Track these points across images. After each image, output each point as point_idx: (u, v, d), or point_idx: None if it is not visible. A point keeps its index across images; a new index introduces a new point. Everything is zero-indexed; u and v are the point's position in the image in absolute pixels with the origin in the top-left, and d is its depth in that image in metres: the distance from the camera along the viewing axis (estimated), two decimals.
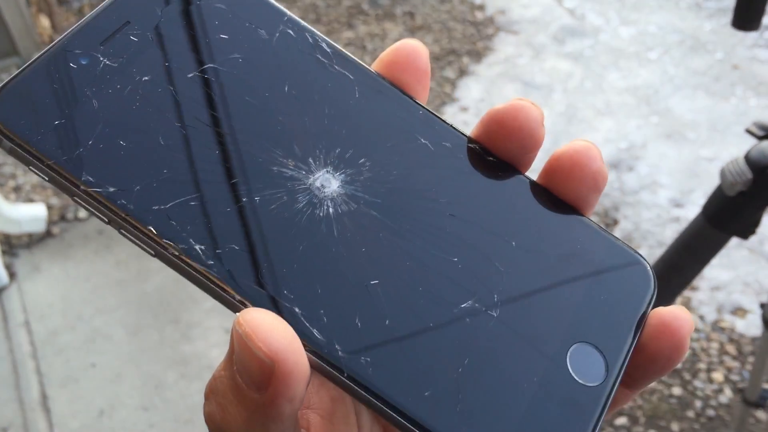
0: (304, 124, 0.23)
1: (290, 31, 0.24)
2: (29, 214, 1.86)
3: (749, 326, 1.60)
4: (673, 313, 0.22)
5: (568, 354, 0.22)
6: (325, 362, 0.20)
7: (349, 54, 0.25)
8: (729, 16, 0.74)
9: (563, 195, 0.24)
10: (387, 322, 0.21)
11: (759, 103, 2.22)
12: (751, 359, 1.51)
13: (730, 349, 1.55)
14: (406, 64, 0.24)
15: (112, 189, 0.21)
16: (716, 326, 1.60)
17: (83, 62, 0.22)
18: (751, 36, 2.48)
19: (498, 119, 0.24)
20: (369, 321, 0.21)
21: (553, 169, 0.24)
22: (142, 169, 0.21)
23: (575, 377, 0.21)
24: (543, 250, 0.23)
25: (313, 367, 0.20)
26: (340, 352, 0.20)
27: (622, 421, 1.42)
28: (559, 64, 2.49)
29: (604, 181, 0.24)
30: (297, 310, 0.21)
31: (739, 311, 1.63)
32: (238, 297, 0.21)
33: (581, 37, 2.62)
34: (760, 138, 0.71)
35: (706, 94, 2.28)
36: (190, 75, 0.23)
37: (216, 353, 1.60)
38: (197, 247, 0.21)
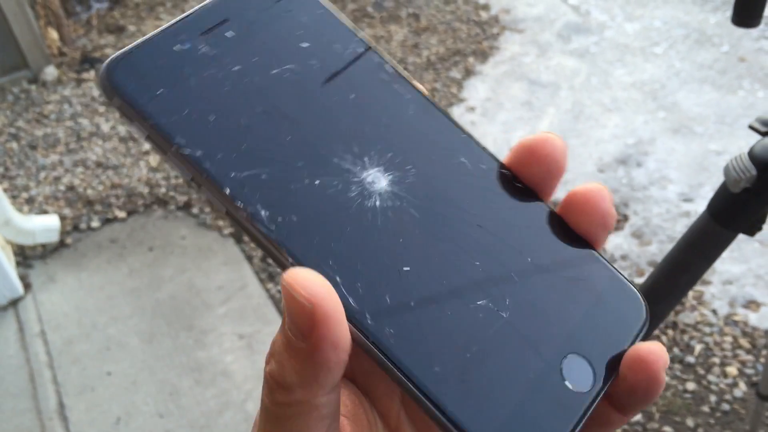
0: (364, 128, 0.27)
1: (359, 49, 0.28)
2: (43, 225, 1.88)
3: (762, 319, 1.59)
4: (649, 348, 0.24)
5: (563, 360, 0.25)
6: (355, 327, 0.24)
7: (408, 76, 0.29)
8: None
9: (576, 228, 0.27)
10: (412, 303, 0.24)
11: (766, 95, 2.21)
12: (765, 352, 1.51)
13: (744, 342, 1.55)
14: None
15: (199, 153, 0.24)
16: (729, 320, 1.60)
17: (185, 47, 0.26)
18: (757, 28, 2.46)
19: (527, 147, 0.27)
20: (397, 299, 0.24)
21: (568, 204, 0.27)
22: (224, 141, 0.25)
23: (566, 381, 0.24)
24: (553, 270, 0.26)
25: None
26: (369, 320, 0.24)
27: (636, 417, 1.42)
28: (564, 62, 2.49)
29: (612, 220, 0.27)
30: (338, 278, 0.24)
31: (752, 304, 1.62)
32: (290, 260, 0.24)
33: (586, 33, 2.62)
34: (764, 134, 0.71)
35: (712, 87, 2.27)
36: (273, 71, 0.27)
37: (230, 359, 1.61)
38: (262, 212, 0.24)
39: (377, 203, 0.26)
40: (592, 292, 0.26)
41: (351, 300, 0.24)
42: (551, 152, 0.27)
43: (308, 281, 0.22)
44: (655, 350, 0.24)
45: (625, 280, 0.27)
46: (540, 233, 0.27)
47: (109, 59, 0.25)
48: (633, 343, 0.26)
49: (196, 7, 0.27)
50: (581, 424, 0.24)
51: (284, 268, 0.24)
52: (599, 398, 0.24)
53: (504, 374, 0.24)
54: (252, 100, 0.26)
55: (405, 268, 0.25)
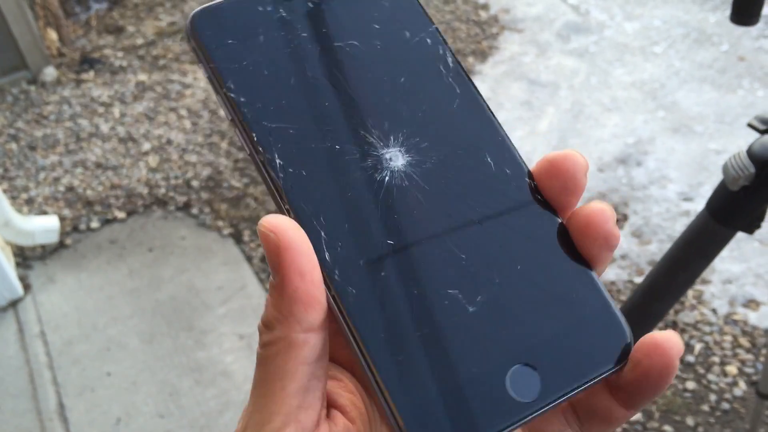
0: (402, 111, 0.28)
1: (428, 39, 0.30)
2: (42, 226, 1.88)
3: (762, 318, 1.59)
4: (666, 335, 0.25)
5: (514, 367, 0.25)
6: (324, 280, 0.25)
7: (466, 73, 0.30)
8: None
9: (579, 248, 0.27)
10: (382, 273, 0.26)
11: (766, 94, 2.21)
12: (765, 351, 1.51)
13: (744, 341, 1.55)
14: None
15: (242, 98, 0.27)
16: (729, 319, 1.60)
17: (266, 9, 0.29)
18: (756, 27, 2.46)
19: (549, 160, 0.28)
20: (370, 267, 0.25)
21: (571, 223, 0.27)
22: (267, 94, 0.27)
23: (508, 386, 0.25)
24: (540, 283, 0.27)
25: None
26: (336, 276, 0.25)
27: (636, 416, 1.42)
28: (564, 61, 2.49)
29: (616, 241, 0.27)
30: (322, 233, 0.26)
31: (751, 303, 1.62)
32: (287, 206, 0.26)
33: (586, 33, 2.62)
34: (762, 132, 0.71)
35: (712, 86, 2.27)
36: (336, 44, 0.29)
37: (230, 359, 1.61)
38: (278, 161, 0.27)
39: (386, 178, 0.27)
40: (573, 313, 0.26)
41: (327, 255, 0.25)
42: (571, 168, 0.27)
43: (275, 219, 0.25)
44: (671, 337, 0.25)
45: (616, 311, 0.27)
46: (540, 245, 0.27)
47: (198, 8, 0.29)
48: (602, 375, 0.25)
49: None
50: (507, 430, 0.24)
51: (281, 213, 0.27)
52: (536, 414, 0.25)
53: (449, 361, 0.25)
54: (306, 65, 0.28)
55: (389, 241, 0.26)
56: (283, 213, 0.27)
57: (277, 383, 0.25)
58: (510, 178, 0.28)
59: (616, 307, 0.27)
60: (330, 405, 0.27)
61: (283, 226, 0.24)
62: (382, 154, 0.27)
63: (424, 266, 0.26)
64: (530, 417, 0.25)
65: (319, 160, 0.27)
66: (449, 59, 0.30)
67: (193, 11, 0.29)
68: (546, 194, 0.28)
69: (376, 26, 0.30)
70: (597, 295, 0.27)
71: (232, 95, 0.27)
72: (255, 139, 0.27)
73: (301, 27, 0.29)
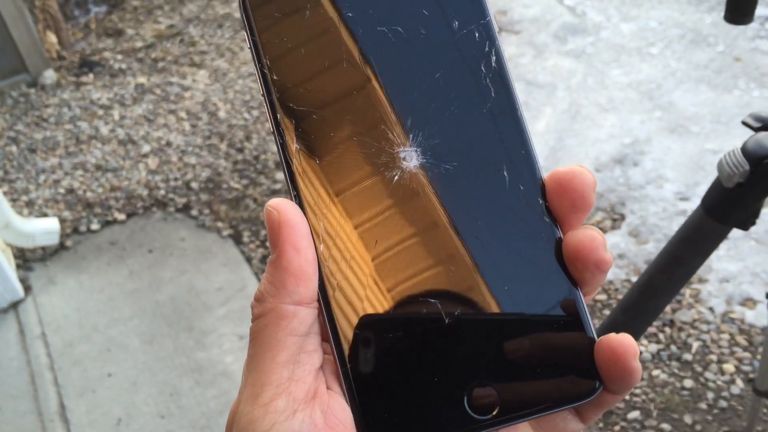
0: (428, 108, 0.27)
1: (477, 33, 0.28)
2: (42, 228, 1.89)
3: (759, 317, 1.60)
4: (619, 340, 0.25)
5: (477, 385, 0.25)
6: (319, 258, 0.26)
7: (509, 74, 0.28)
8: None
9: (571, 273, 0.27)
10: (367, 272, 0.26)
11: (762, 95, 2.22)
12: (761, 349, 1.52)
13: (741, 340, 1.56)
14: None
15: (275, 77, 0.28)
16: (726, 317, 1.61)
17: None
18: (752, 28, 2.48)
19: (558, 178, 0.27)
20: (356, 263, 0.26)
21: (565, 247, 0.27)
22: (300, 75, 0.28)
23: (465, 400, 0.25)
24: (524, 307, 0.26)
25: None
26: (326, 268, 0.26)
27: (635, 414, 1.43)
28: (561, 62, 2.50)
29: (607, 266, 0.27)
30: (322, 225, 0.27)
31: (748, 302, 1.63)
32: (294, 192, 0.27)
33: (582, 34, 2.63)
34: (757, 129, 0.72)
35: (708, 87, 2.28)
36: (379, 28, 0.28)
37: (230, 359, 1.62)
38: (294, 145, 0.27)
39: (396, 177, 0.27)
40: (549, 341, 0.26)
41: (320, 247, 0.26)
42: (579, 187, 0.27)
43: (280, 200, 0.26)
44: (624, 341, 0.25)
45: (590, 351, 0.26)
46: (533, 266, 0.27)
47: None
48: (561, 408, 0.26)
49: None
50: None
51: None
52: (486, 429, 0.25)
53: (414, 365, 0.25)
54: (344, 49, 0.28)
55: (382, 242, 0.27)
56: (290, 196, 0.28)
57: (267, 354, 0.26)
58: (521, 191, 0.27)
59: (592, 344, 0.26)
60: (330, 387, 0.27)
61: (285, 206, 0.26)
62: (397, 152, 0.27)
63: (411, 270, 0.26)
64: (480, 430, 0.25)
65: (334, 150, 0.27)
66: (493, 58, 0.28)
67: None
68: (555, 211, 0.27)
69: (425, 12, 0.28)
70: (578, 327, 0.26)
71: (266, 72, 0.28)
72: (279, 119, 0.27)
73: (349, 7, 0.28)
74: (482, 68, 0.28)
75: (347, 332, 0.26)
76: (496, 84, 0.28)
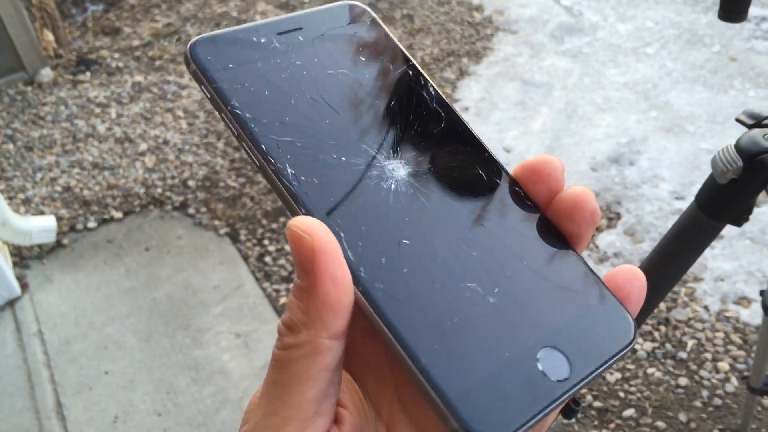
0: (397, 128, 0.31)
1: (410, 71, 0.34)
2: (39, 225, 1.89)
3: (753, 315, 1.61)
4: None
5: (541, 350, 0.27)
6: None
7: (446, 99, 0.34)
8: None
9: (563, 229, 0.30)
10: (405, 270, 0.27)
11: (757, 94, 2.23)
12: (756, 347, 1.52)
13: (735, 338, 1.56)
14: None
15: (248, 115, 0.29)
16: (721, 316, 1.61)
17: (261, 40, 0.32)
18: (747, 28, 2.49)
19: (531, 167, 0.30)
20: (391, 264, 0.27)
21: (558, 207, 0.30)
22: (271, 111, 0.30)
23: (540, 367, 0.26)
24: (546, 275, 0.29)
25: None
26: (362, 273, 0.26)
27: (630, 412, 1.44)
28: (557, 62, 2.50)
29: (598, 217, 0.30)
30: (342, 234, 0.27)
31: (743, 301, 1.64)
32: (303, 210, 0.28)
33: (579, 34, 2.64)
34: (750, 126, 0.73)
35: (704, 87, 2.29)
36: (327, 71, 0.32)
37: (227, 357, 1.62)
38: (289, 170, 0.28)
39: (393, 186, 0.29)
40: (582, 301, 0.29)
41: (350, 253, 0.27)
42: (552, 172, 0.30)
43: (308, 220, 0.25)
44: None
45: (616, 299, 0.29)
46: (536, 239, 0.30)
47: (196, 37, 0.31)
48: (621, 352, 0.28)
49: (280, 16, 0.33)
50: (549, 409, 0.25)
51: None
52: (571, 392, 0.26)
53: (481, 348, 0.26)
54: (302, 88, 0.31)
55: (404, 240, 0.28)
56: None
57: (295, 387, 0.25)
58: (500, 183, 0.31)
59: (612, 295, 0.29)
60: (342, 405, 0.27)
61: (318, 229, 0.25)
62: (385, 165, 0.30)
63: (441, 263, 0.28)
64: (567, 395, 0.26)
65: (327, 169, 0.29)
66: (431, 88, 0.33)
67: (192, 39, 0.31)
68: (533, 197, 0.31)
69: (361, 57, 0.33)
70: (600, 288, 0.29)
71: (238, 111, 0.29)
72: (265, 150, 0.28)
73: (294, 56, 0.32)
74: (425, 95, 0.33)
75: (412, 337, 0.25)
76: (441, 106, 0.33)
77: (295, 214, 0.28)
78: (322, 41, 0.33)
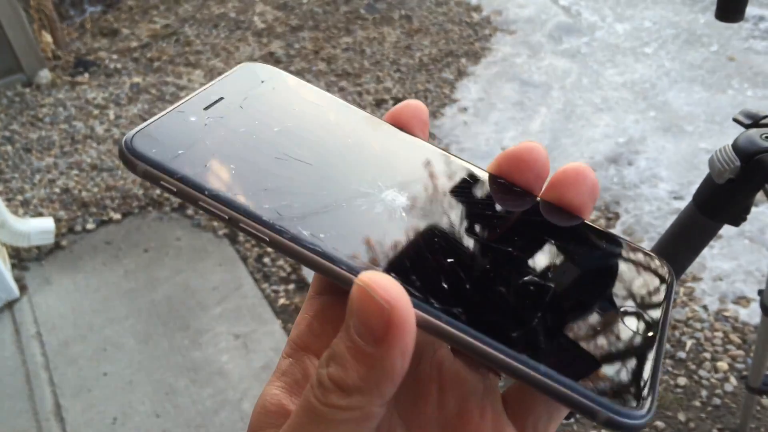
0: (363, 161, 0.31)
1: (334, 103, 0.34)
2: (38, 227, 1.89)
3: (752, 315, 1.61)
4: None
5: (620, 313, 0.27)
6: (426, 313, 0.25)
7: (383, 122, 0.34)
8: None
9: (568, 202, 0.30)
10: (467, 286, 0.27)
11: (755, 94, 2.23)
12: (754, 347, 1.52)
13: (734, 338, 1.56)
14: (412, 116, 0.33)
15: (230, 194, 0.27)
16: (720, 316, 1.61)
17: (193, 119, 0.31)
18: (745, 27, 2.49)
19: (515, 157, 0.31)
20: (452, 286, 0.26)
21: (560, 181, 0.30)
22: (248, 183, 0.28)
23: (630, 329, 0.27)
24: (577, 250, 0.30)
25: (419, 324, 0.25)
26: (435, 304, 0.25)
27: None
28: (556, 62, 2.50)
29: (598, 192, 0.30)
30: (392, 274, 0.26)
31: (742, 300, 1.64)
32: (344, 269, 0.26)
33: (577, 34, 2.64)
34: (747, 126, 0.73)
35: (702, 86, 2.29)
36: (276, 129, 0.31)
37: (225, 358, 1.62)
38: (304, 232, 0.27)
39: (403, 214, 0.29)
40: (619, 259, 0.30)
41: (412, 289, 0.26)
42: (538, 158, 0.30)
43: (388, 283, 0.22)
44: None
45: (643, 248, 0.30)
46: (552, 224, 0.30)
47: (125, 136, 0.29)
48: (668, 297, 0.29)
49: (195, 92, 0.32)
50: (661, 362, 0.26)
51: (340, 281, 0.26)
52: (663, 341, 0.27)
53: (574, 330, 0.26)
54: (262, 152, 0.30)
55: (449, 260, 0.27)
56: (341, 279, 0.26)
57: None
58: (485, 183, 0.32)
59: (642, 247, 0.30)
60: None
61: (397, 297, 0.22)
62: (383, 198, 0.29)
63: (491, 269, 0.28)
64: (662, 346, 0.27)
65: (339, 218, 0.28)
66: (357, 110, 0.34)
67: (122, 140, 0.29)
68: (522, 186, 0.31)
69: (290, 107, 0.33)
70: (625, 244, 0.30)
71: (218, 194, 0.27)
72: (270, 222, 0.27)
73: (234, 124, 0.31)
74: (360, 119, 0.33)
75: (515, 349, 0.25)
76: (381, 129, 0.33)
77: (329, 274, 0.26)
78: (250, 104, 0.32)
